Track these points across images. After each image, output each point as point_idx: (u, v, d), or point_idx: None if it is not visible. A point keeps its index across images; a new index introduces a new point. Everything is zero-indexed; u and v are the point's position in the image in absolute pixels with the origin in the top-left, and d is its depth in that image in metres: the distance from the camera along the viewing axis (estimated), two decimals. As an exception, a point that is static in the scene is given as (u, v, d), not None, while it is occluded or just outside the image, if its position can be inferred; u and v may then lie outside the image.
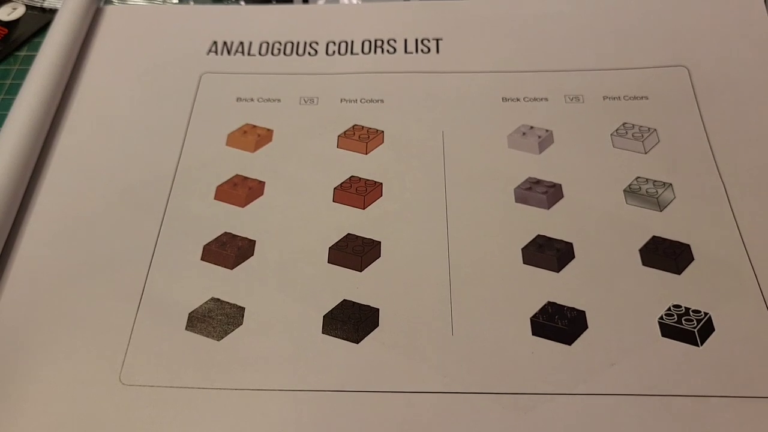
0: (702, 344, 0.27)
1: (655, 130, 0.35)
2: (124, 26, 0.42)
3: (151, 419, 0.26)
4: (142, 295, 0.30)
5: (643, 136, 0.34)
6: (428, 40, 0.40)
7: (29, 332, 0.29)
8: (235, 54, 0.40)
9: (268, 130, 0.36)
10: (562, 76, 0.37)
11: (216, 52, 0.40)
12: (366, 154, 0.35)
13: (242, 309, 0.29)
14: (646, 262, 0.30)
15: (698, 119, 0.35)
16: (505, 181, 0.33)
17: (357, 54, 0.39)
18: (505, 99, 0.37)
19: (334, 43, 0.40)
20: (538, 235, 0.31)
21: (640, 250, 0.30)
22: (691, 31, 0.39)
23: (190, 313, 0.29)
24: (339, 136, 0.35)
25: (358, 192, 0.33)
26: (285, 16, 0.42)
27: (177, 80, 0.38)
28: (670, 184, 0.32)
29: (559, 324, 0.28)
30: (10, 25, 0.43)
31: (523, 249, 0.31)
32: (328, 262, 0.30)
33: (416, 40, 0.40)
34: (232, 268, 0.30)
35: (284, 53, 0.40)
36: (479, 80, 0.37)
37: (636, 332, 0.28)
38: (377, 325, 0.28)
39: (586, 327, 0.28)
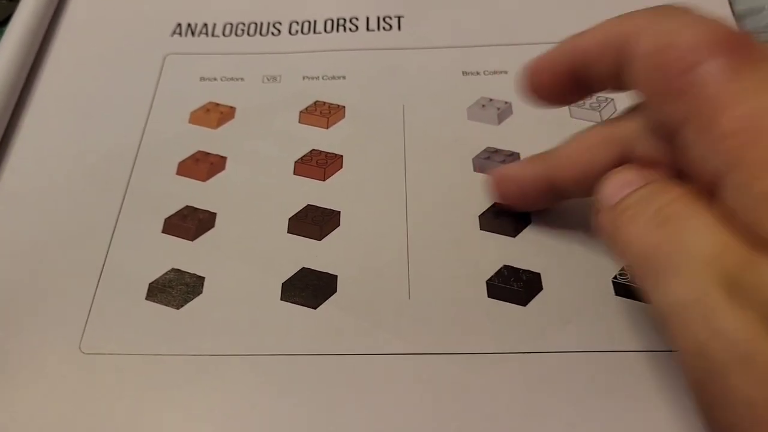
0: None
1: (612, 100, 0.35)
2: (89, 10, 0.42)
3: (112, 386, 0.26)
4: (103, 268, 0.30)
5: (600, 105, 0.35)
6: (390, 18, 0.40)
7: (-10, 306, 0.29)
8: (199, 35, 0.40)
9: (231, 107, 0.36)
10: (521, 49, 0.37)
11: (180, 33, 0.40)
12: (327, 128, 0.35)
13: (202, 279, 0.29)
14: (600, 225, 0.30)
15: (654, 88, 0.35)
16: (464, 151, 0.33)
17: (320, 33, 0.40)
18: (465, 73, 0.37)
19: (297, 23, 0.40)
20: (496, 203, 0.31)
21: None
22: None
23: (150, 284, 0.29)
24: (301, 111, 0.36)
25: (319, 164, 0.33)
26: (249, -2, 0.42)
27: (141, 62, 0.39)
28: (626, 151, 0.33)
29: (514, 286, 0.29)
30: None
31: (480, 216, 0.31)
32: (288, 232, 0.31)
33: (378, 18, 0.40)
34: (192, 240, 0.31)
35: (248, 34, 0.40)
36: (440, 55, 0.38)
37: (590, 292, 0.28)
38: (335, 291, 0.29)
39: (541, 288, 0.29)
